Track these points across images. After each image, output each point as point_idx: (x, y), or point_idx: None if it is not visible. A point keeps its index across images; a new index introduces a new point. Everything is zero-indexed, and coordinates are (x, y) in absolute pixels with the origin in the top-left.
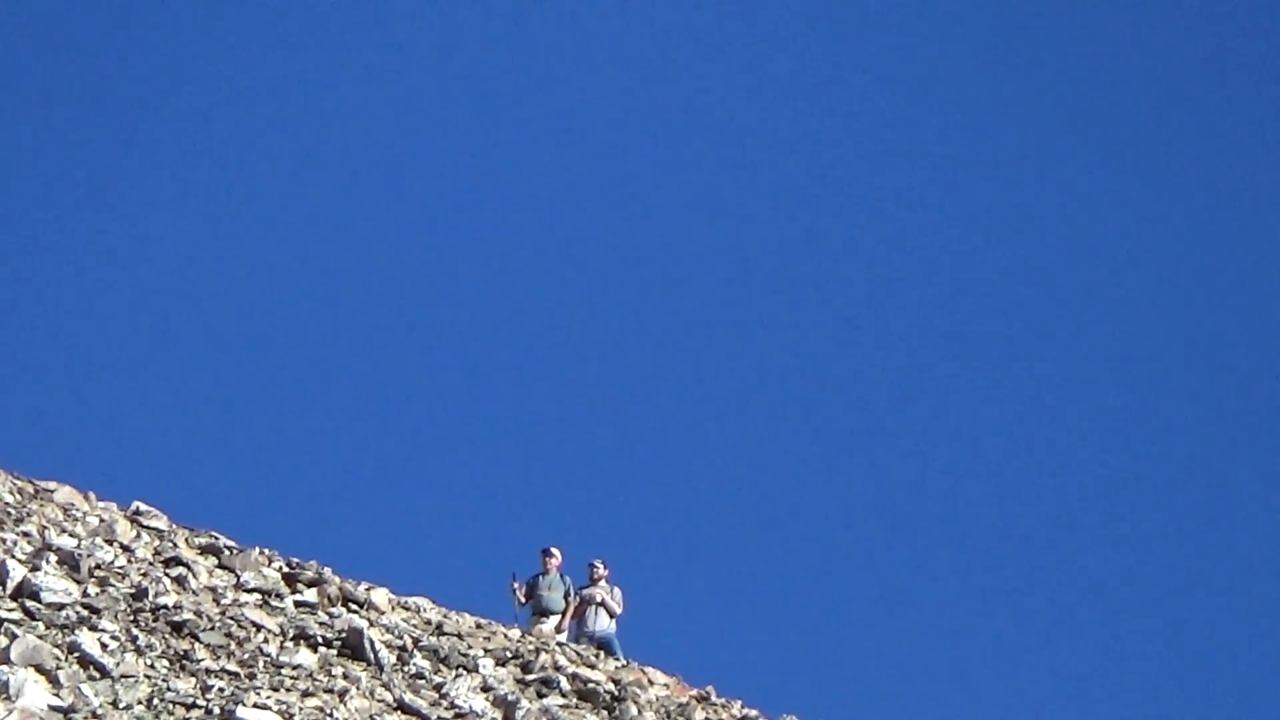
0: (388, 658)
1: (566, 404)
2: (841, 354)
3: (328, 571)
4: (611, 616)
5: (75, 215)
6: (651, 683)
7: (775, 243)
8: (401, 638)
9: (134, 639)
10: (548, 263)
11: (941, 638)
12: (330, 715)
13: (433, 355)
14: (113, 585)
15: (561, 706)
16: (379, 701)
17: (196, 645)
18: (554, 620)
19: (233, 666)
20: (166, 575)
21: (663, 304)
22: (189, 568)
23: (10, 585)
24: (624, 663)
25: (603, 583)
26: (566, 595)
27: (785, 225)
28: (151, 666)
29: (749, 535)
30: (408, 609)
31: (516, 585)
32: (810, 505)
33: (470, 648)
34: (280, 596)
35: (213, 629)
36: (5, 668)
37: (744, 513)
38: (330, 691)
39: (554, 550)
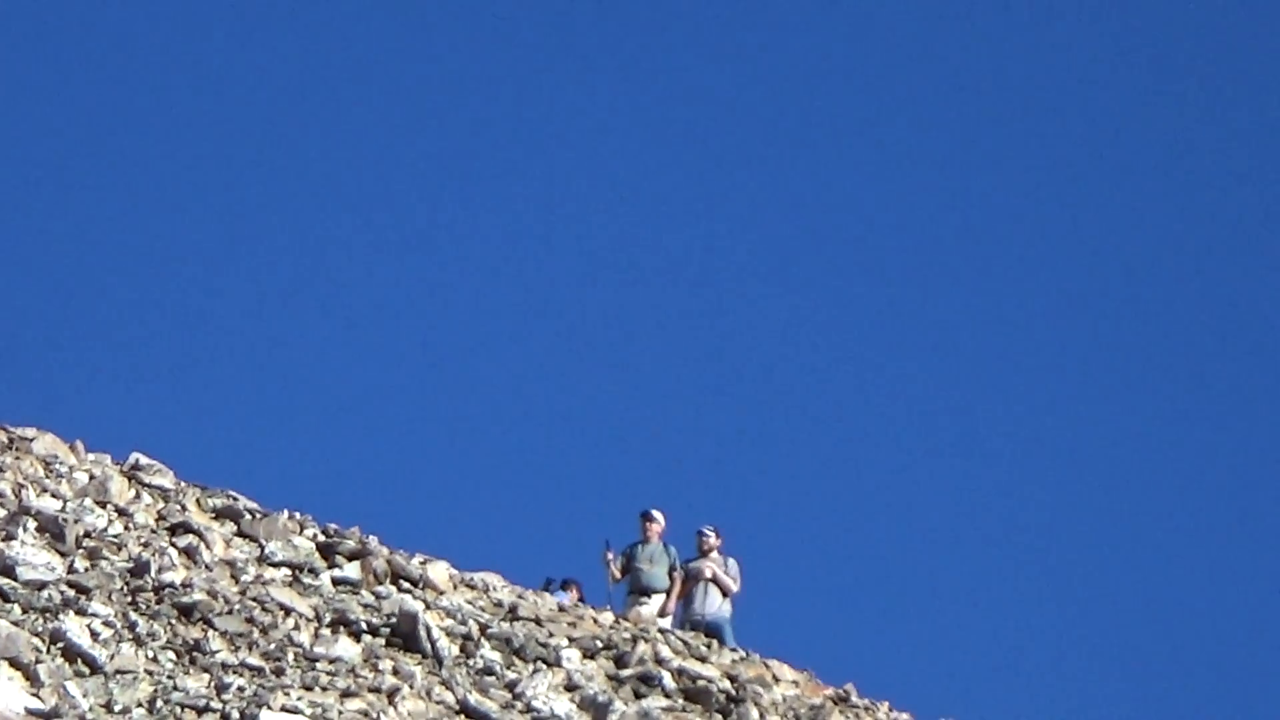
0: (448, 649)
1: (670, 341)
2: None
3: (373, 541)
4: (725, 596)
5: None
6: (776, 680)
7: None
8: (466, 624)
9: (132, 626)
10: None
11: (1107, 635)
12: None
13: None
14: (105, 558)
15: (664, 709)
16: (437, 703)
17: (210, 633)
18: (656, 601)
19: (255, 660)
20: (173, 546)
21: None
22: (201, 536)
23: None
24: (741, 654)
25: (714, 555)
26: (672, 570)
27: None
28: (154, 660)
29: (891, 501)
30: (473, 588)
31: (611, 556)
32: (970, 475)
33: (551, 636)
34: (314, 572)
35: (230, 613)
36: None
37: (883, 473)
38: (376, 691)
39: (656, 514)
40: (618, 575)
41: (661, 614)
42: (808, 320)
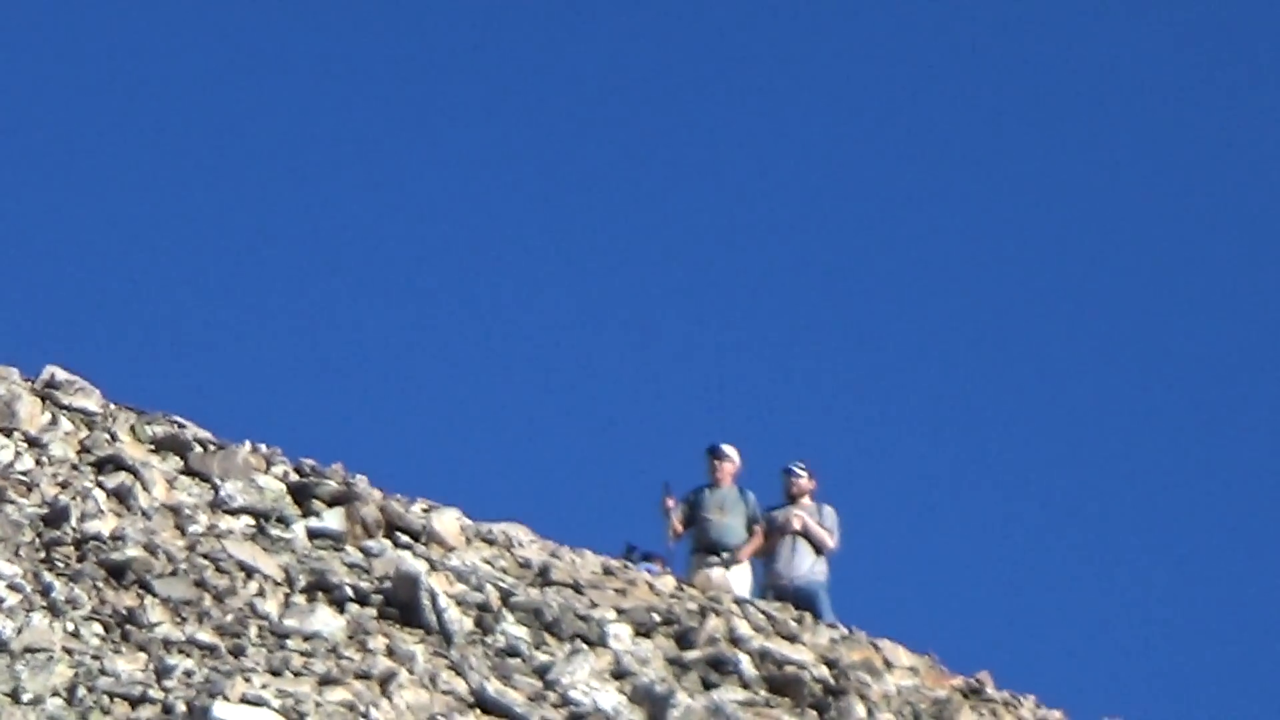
0: (460, 622)
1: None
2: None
3: (361, 482)
4: (820, 554)
5: None
6: (889, 665)
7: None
8: (482, 590)
9: (46, 590)
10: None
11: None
12: (365, 716)
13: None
14: (11, 502)
15: (743, 703)
16: (444, 693)
17: (148, 601)
18: (729, 564)
19: (207, 636)
20: (99, 487)
21: None
22: (136, 475)
23: None
24: (842, 631)
25: (806, 501)
26: (750, 522)
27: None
28: (75, 635)
29: (1028, 443)
30: (492, 543)
31: (671, 504)
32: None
33: (594, 607)
34: (285, 522)
35: (174, 575)
36: None
37: (1021, 403)
38: (365, 677)
39: (728, 450)
40: (679, 529)
41: (736, 575)
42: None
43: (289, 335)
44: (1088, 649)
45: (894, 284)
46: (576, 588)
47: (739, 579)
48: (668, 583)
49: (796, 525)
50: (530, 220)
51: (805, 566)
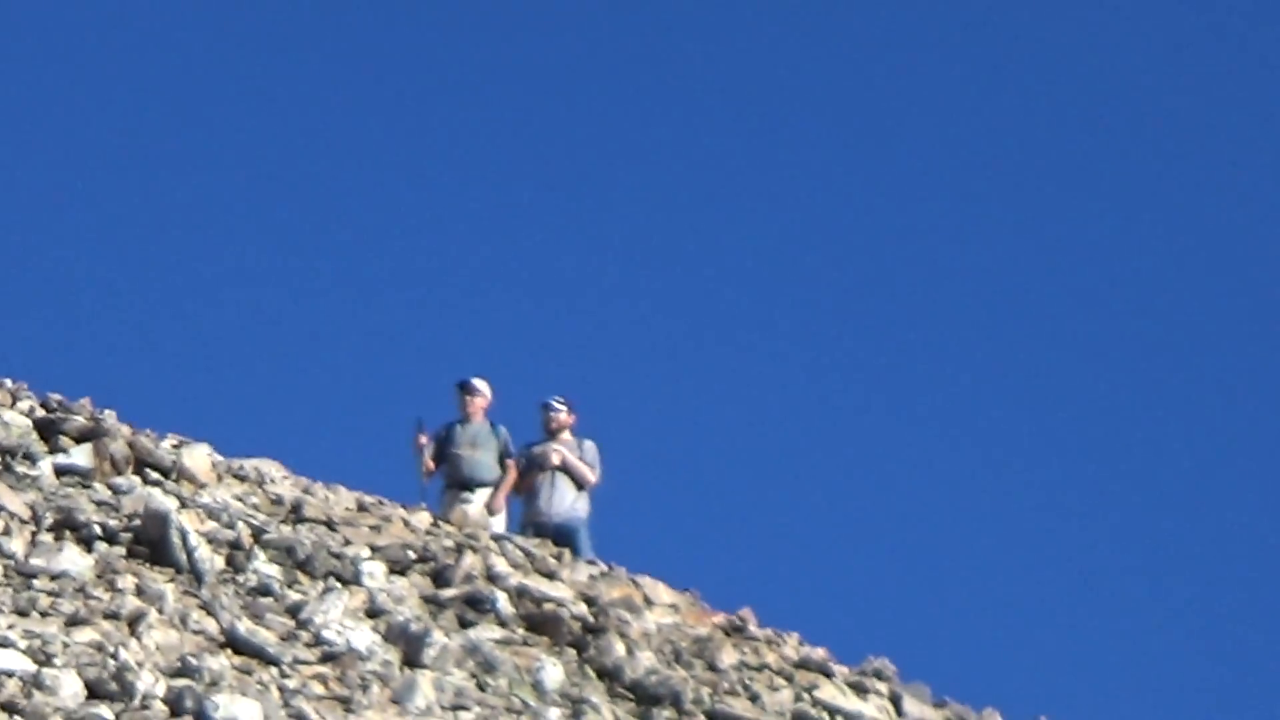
0: (210, 561)
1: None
2: None
3: (110, 417)
4: (580, 489)
5: None
6: (649, 603)
7: None
8: (234, 527)
9: None
10: None
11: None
12: (113, 657)
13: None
14: None
15: (499, 642)
16: (195, 633)
17: None
18: (483, 496)
19: None
20: None
21: None
22: None
23: None
24: (601, 569)
25: (565, 436)
26: (503, 457)
27: None
28: None
29: (785, 370)
30: (244, 480)
31: (424, 441)
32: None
33: (348, 544)
34: (31, 459)
35: None
36: None
37: (785, 322)
38: (114, 617)
39: (478, 384)
40: (431, 466)
41: (492, 513)
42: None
43: (31, 265)
44: (851, 588)
45: (625, 204)
46: (330, 525)
47: (493, 514)
48: (423, 519)
49: (555, 460)
50: (277, 153)
51: (566, 503)
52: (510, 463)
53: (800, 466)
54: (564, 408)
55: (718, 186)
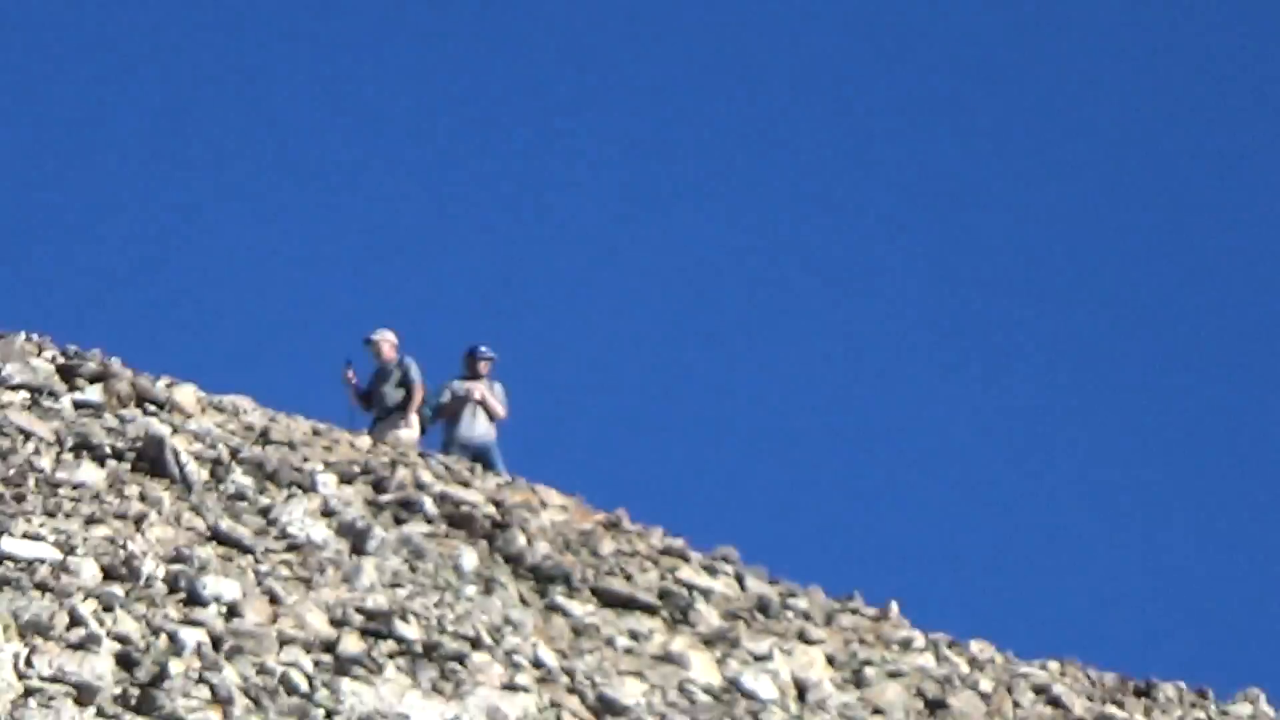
0: (198, 473)
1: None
2: None
3: (116, 363)
4: (493, 419)
5: None
6: (545, 505)
7: None
8: (215, 448)
9: None
10: None
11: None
12: (123, 548)
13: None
14: None
15: (427, 535)
16: (187, 529)
17: None
18: (412, 421)
19: None
20: None
21: None
22: None
23: None
24: (507, 479)
25: (483, 378)
26: (405, 384)
27: None
28: None
29: (658, 310)
30: (223, 411)
31: (351, 376)
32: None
33: (306, 460)
34: (55, 395)
35: None
36: None
37: (649, 282)
38: (123, 517)
39: (376, 337)
40: (362, 404)
41: (406, 425)
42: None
43: (58, 248)
44: (706, 486)
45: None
46: (292, 445)
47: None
48: (364, 442)
49: (477, 396)
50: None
51: (481, 429)
52: (413, 386)
53: (649, 381)
54: (486, 355)
55: None
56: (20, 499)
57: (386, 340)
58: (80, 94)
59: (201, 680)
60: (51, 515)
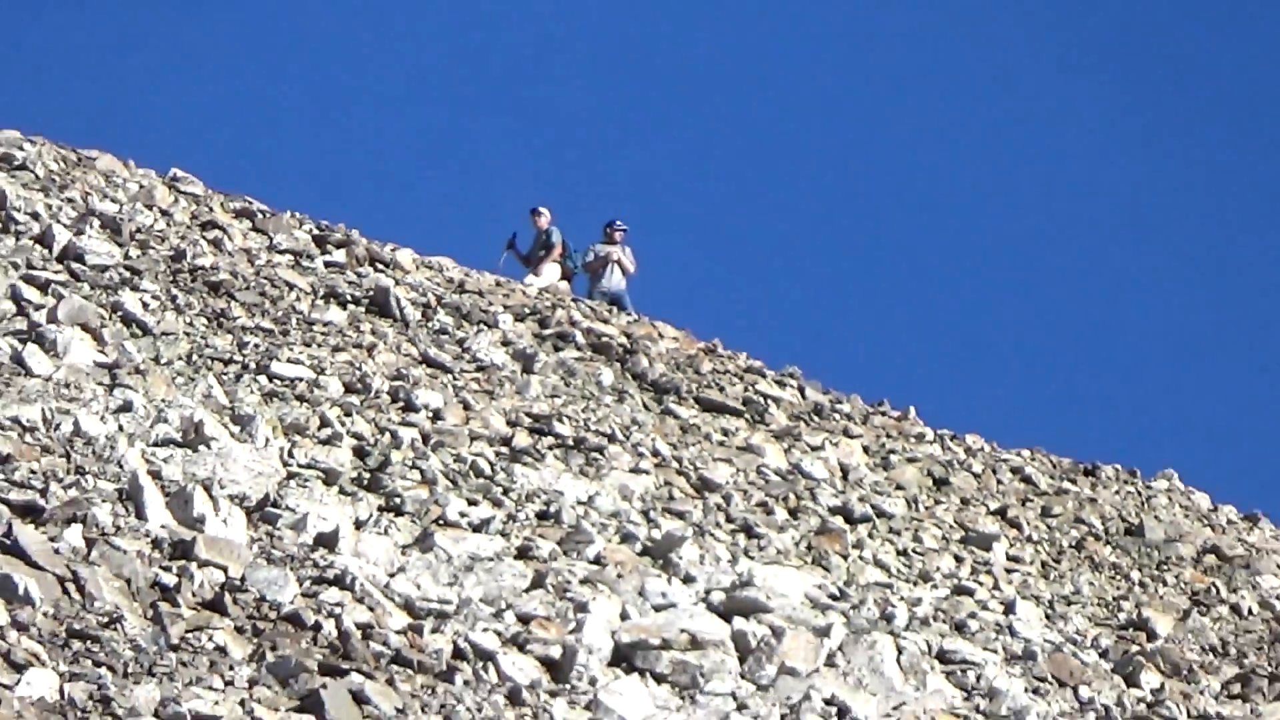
0: (413, 314)
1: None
2: None
3: (355, 233)
4: (625, 274)
5: None
6: (661, 336)
7: None
8: (425, 295)
9: (173, 299)
10: None
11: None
12: (359, 369)
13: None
14: (153, 248)
15: (577, 359)
16: (405, 356)
17: (232, 304)
18: (549, 268)
19: (267, 324)
20: (204, 238)
21: None
22: (224, 231)
23: (56, 249)
24: (635, 318)
25: (619, 241)
26: (545, 246)
27: None
28: (190, 324)
29: (748, 202)
30: (431, 268)
31: (510, 248)
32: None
33: (490, 304)
34: (311, 257)
35: (248, 288)
36: (53, 327)
37: (748, 183)
38: (359, 347)
39: (536, 211)
40: (520, 261)
41: (537, 274)
42: None
43: (315, 142)
44: (779, 326)
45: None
46: (481, 294)
47: (546, 277)
48: (532, 291)
49: (614, 256)
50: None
51: (617, 281)
52: (553, 246)
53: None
54: (621, 226)
55: None
56: (285, 334)
57: (543, 215)
58: None
59: (414, 466)
60: (307, 345)
